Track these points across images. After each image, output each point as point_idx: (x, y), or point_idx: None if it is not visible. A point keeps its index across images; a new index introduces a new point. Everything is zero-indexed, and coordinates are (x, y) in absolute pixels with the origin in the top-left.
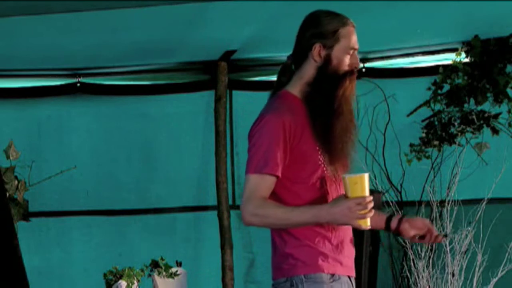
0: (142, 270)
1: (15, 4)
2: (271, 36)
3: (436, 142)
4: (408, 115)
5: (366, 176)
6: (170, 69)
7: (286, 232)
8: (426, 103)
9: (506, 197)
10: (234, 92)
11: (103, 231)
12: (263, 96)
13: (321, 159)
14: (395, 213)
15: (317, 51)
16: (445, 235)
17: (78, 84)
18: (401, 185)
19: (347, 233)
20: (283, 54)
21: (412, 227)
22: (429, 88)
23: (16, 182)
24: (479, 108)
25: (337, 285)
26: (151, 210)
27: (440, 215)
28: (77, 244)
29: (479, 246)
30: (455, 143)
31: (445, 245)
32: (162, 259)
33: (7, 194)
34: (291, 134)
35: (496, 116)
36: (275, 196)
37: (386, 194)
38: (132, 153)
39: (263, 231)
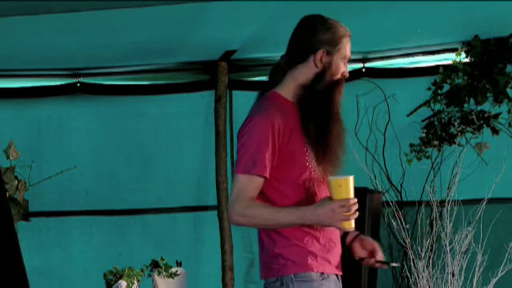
0: (142, 270)
1: (15, 4)
2: (271, 36)
3: (436, 142)
4: (408, 115)
5: (351, 178)
6: (170, 69)
7: (275, 232)
8: (426, 103)
9: (506, 197)
10: (234, 92)
11: (103, 231)
12: None
13: (309, 160)
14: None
15: (320, 56)
16: (389, 264)
17: (78, 84)
18: (401, 185)
19: (335, 232)
20: (283, 54)
21: (363, 247)
22: (429, 88)
23: (16, 182)
24: (479, 108)
25: (326, 283)
26: (151, 210)
27: (440, 215)
28: (77, 244)
29: (479, 246)
30: (455, 143)
31: (445, 245)
32: (162, 259)
33: (7, 194)
34: (279, 135)
35: (496, 116)
36: (263, 196)
37: (386, 194)
38: (132, 153)
39: None
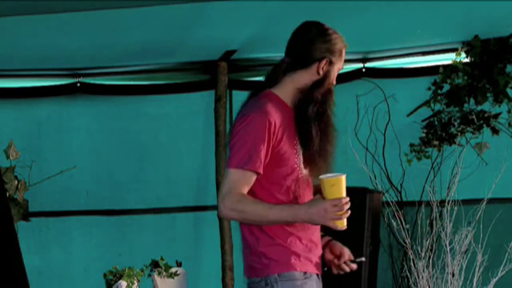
0: (142, 270)
1: (15, 4)
2: (271, 36)
3: (436, 142)
4: (408, 115)
5: (343, 178)
6: (170, 69)
7: (259, 230)
8: (426, 103)
9: (506, 197)
10: (234, 92)
11: (103, 231)
12: None
13: (297, 162)
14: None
15: (323, 65)
16: (355, 261)
17: (78, 84)
18: (401, 185)
19: (315, 233)
20: (283, 54)
21: (331, 251)
22: (429, 88)
23: (16, 182)
24: (479, 108)
25: (309, 282)
26: (150, 210)
27: (440, 215)
28: (77, 244)
29: (479, 246)
30: (455, 143)
31: (445, 245)
32: (162, 259)
33: (7, 194)
34: (274, 133)
35: (496, 116)
36: (251, 192)
37: (386, 194)
38: (132, 153)
39: None
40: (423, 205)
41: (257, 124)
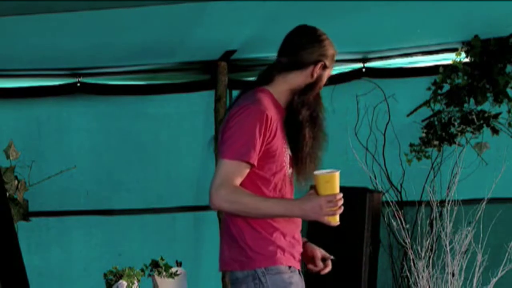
0: (142, 270)
1: (15, 4)
2: (271, 36)
3: (436, 142)
4: (408, 115)
5: (337, 174)
6: (170, 69)
7: (245, 223)
8: (426, 103)
9: (506, 197)
10: (234, 92)
11: (103, 231)
12: None
13: (286, 160)
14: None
15: (318, 68)
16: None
17: (78, 84)
18: (401, 185)
19: (297, 230)
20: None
21: (305, 254)
22: (429, 88)
23: (16, 182)
24: (479, 108)
25: (295, 275)
26: (151, 210)
27: (440, 215)
28: (77, 244)
29: (479, 246)
30: (455, 143)
31: (445, 245)
32: (162, 259)
33: (7, 194)
34: (270, 128)
35: (496, 116)
36: (240, 185)
37: (386, 194)
38: (132, 153)
39: None
40: (423, 205)
41: (255, 117)
